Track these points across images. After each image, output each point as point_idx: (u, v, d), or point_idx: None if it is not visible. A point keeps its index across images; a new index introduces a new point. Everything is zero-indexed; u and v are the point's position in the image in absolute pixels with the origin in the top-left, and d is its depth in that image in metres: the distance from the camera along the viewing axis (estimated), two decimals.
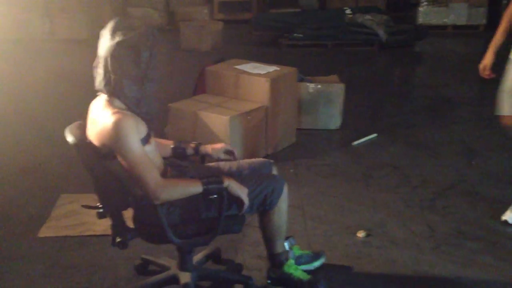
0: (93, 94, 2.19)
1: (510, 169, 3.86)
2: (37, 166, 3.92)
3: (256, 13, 9.45)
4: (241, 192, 2.20)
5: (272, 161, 2.57)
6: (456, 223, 3.13)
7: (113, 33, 2.04)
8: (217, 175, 2.23)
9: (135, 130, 2.04)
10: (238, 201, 2.21)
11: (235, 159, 2.46)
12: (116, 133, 2.00)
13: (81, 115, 2.25)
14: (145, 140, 2.12)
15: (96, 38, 2.14)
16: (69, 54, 7.24)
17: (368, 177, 3.73)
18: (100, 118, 2.07)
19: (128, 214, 2.26)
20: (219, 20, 8.45)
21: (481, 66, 3.15)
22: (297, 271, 2.50)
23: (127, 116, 2.04)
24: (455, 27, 8.70)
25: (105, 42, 2.06)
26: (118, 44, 2.02)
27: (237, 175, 2.37)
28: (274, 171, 2.53)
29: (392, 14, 8.78)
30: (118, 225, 2.24)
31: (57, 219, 3.17)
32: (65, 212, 3.24)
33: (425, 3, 8.68)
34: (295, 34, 7.65)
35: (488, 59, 3.12)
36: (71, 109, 4.78)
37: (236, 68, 4.06)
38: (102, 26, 2.11)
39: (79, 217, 3.14)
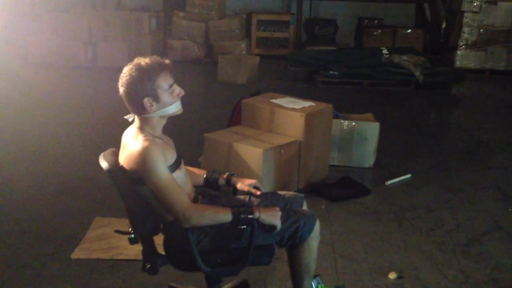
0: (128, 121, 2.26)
1: None
2: (73, 188, 4.00)
3: (293, 49, 9.59)
4: (274, 218, 2.20)
5: (303, 195, 2.57)
6: (491, 270, 3.05)
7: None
8: (248, 206, 2.24)
9: (162, 157, 2.11)
10: (271, 228, 2.21)
11: (258, 196, 2.44)
12: (143, 159, 2.08)
13: (117, 141, 2.31)
14: (175, 167, 2.18)
15: None
16: (109, 82, 7.43)
17: (401, 218, 3.68)
18: (130, 144, 2.15)
19: (159, 241, 2.28)
20: (256, 55, 8.60)
21: None
22: None
23: (155, 144, 2.12)
24: (493, 72, 8.62)
25: None
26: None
27: (270, 206, 2.37)
28: (305, 206, 2.52)
29: (429, 56, 8.79)
30: (149, 251, 2.26)
31: (90, 241, 3.21)
32: (98, 235, 3.29)
33: (463, 46, 8.65)
34: (330, 72, 7.71)
35: None
36: (107, 135, 4.89)
37: (271, 102, 4.11)
38: (143, 55, 2.19)
39: (112, 240, 3.18)
